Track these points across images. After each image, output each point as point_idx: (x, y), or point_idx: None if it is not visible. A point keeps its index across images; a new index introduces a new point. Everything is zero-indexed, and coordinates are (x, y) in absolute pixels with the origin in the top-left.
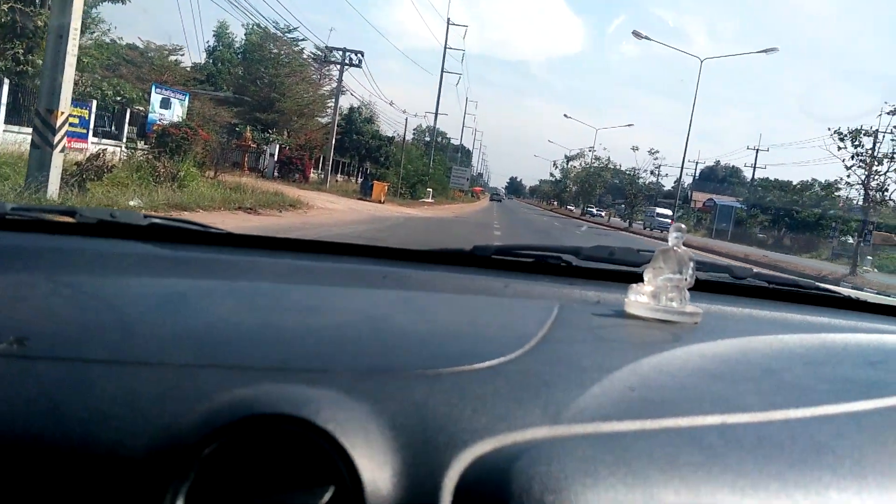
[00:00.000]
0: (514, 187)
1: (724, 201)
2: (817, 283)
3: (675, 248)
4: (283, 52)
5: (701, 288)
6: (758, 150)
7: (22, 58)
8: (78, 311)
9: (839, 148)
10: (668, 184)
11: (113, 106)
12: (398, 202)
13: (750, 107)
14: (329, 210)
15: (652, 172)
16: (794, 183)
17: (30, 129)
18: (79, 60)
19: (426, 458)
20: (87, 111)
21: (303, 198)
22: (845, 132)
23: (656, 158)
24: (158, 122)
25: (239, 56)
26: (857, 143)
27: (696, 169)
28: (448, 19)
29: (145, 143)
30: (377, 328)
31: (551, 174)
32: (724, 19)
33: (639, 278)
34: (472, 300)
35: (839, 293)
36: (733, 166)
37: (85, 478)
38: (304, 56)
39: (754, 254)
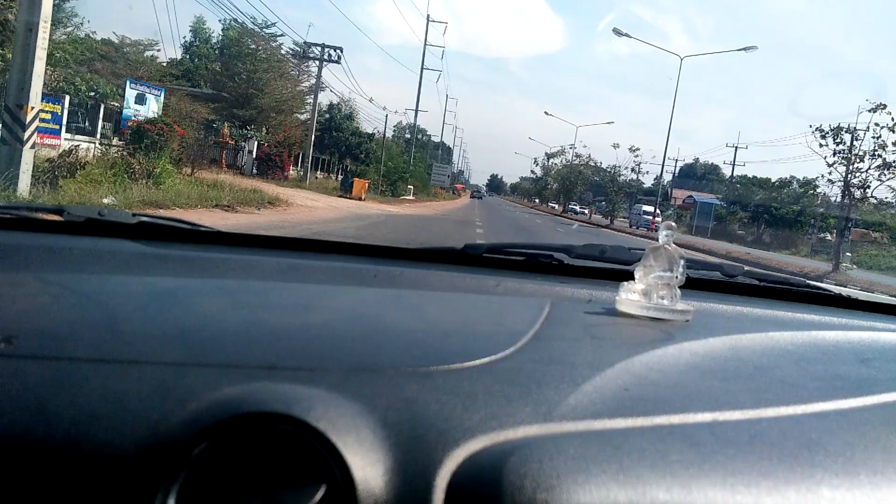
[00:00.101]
0: (495, 184)
1: (704, 198)
2: (808, 281)
3: (665, 245)
4: (261, 48)
5: (692, 286)
6: (737, 148)
7: None
8: (66, 310)
9: (821, 145)
10: (647, 181)
11: (87, 101)
12: (379, 199)
13: (728, 105)
14: (309, 207)
15: (633, 170)
16: (773, 180)
17: None
18: (52, 55)
19: (418, 455)
20: (59, 107)
21: (282, 195)
22: (827, 129)
23: (637, 156)
24: (133, 119)
25: (216, 52)
26: (838, 140)
27: (675, 166)
28: (428, 16)
29: (120, 140)
30: (368, 326)
31: (532, 171)
32: (703, 17)
33: (630, 276)
34: (464, 298)
35: (830, 291)
36: (712, 164)
37: (73, 478)
38: (283, 52)
39: (736, 251)
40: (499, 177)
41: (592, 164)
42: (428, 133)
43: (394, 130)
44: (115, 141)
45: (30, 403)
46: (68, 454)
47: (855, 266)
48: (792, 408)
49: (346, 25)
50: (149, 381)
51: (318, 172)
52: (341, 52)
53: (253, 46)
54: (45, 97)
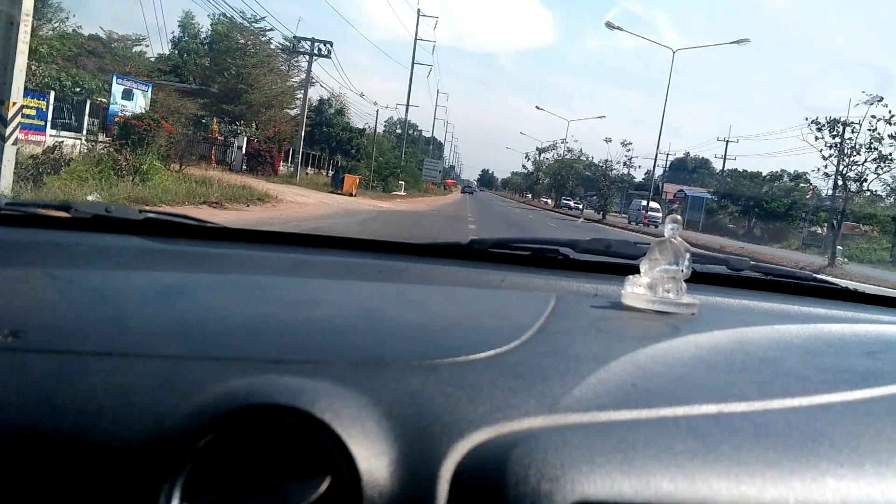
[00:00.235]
0: (487, 180)
1: (695, 192)
2: (814, 275)
3: (671, 239)
4: (250, 43)
5: (698, 280)
6: (728, 142)
7: None
8: (73, 305)
9: (816, 138)
10: (638, 175)
11: (72, 97)
12: (370, 195)
13: (719, 99)
14: (299, 204)
15: (625, 164)
16: (764, 174)
17: None
18: (37, 51)
19: (422, 447)
20: (44, 102)
21: (272, 191)
22: (823, 122)
23: (629, 150)
24: (120, 114)
25: (205, 47)
26: (834, 132)
27: (666, 160)
28: (418, 10)
29: (107, 136)
30: (373, 320)
31: (524, 166)
32: (694, 12)
33: (635, 271)
34: (469, 292)
35: (837, 284)
36: (703, 158)
37: (80, 470)
38: (272, 47)
39: (730, 245)
40: (490, 172)
41: (584, 159)
42: (419, 128)
43: (385, 125)
44: (101, 137)
45: (37, 396)
46: (75, 447)
47: (846, 259)
48: (797, 399)
49: (337, 20)
50: (155, 375)
51: (309, 168)
52: (331, 46)
53: (242, 41)
54: (30, 93)
